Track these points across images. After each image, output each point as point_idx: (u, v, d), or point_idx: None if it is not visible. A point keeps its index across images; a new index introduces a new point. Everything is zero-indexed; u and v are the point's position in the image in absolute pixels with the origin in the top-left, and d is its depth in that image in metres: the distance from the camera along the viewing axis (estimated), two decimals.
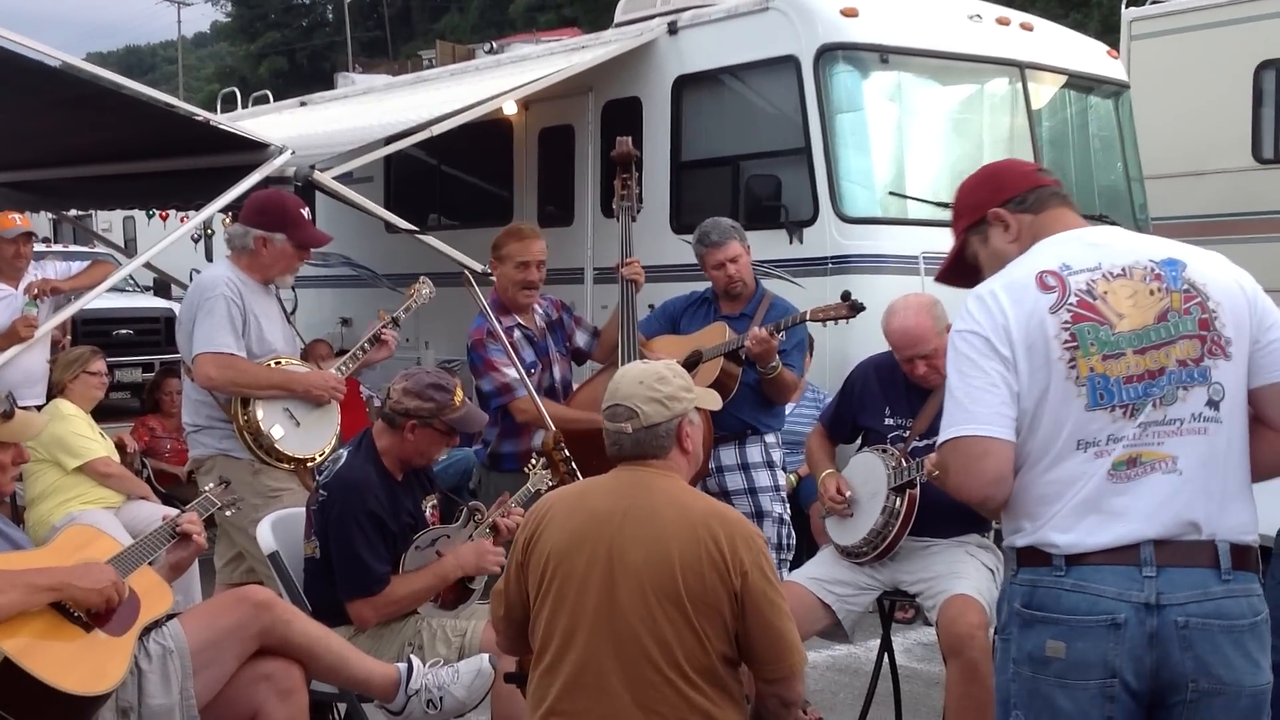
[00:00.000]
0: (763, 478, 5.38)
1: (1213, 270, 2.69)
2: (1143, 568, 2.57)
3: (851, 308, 5.14)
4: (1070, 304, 2.63)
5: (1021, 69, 8.33)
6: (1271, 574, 4.56)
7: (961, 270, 2.97)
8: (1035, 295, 2.65)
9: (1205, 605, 2.57)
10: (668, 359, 5.03)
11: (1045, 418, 2.63)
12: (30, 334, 6.64)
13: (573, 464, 4.60)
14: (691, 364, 5.23)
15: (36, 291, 6.83)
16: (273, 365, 5.00)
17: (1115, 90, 9.06)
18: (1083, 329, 2.62)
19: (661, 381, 3.14)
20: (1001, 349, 2.64)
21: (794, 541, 5.44)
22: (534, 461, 4.67)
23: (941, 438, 2.70)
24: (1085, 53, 9.01)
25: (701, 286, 5.63)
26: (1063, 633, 2.60)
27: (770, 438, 5.46)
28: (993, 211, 2.85)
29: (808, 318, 5.20)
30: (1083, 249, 2.71)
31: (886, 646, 4.76)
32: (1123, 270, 2.66)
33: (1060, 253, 2.71)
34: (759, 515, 5.29)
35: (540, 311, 5.41)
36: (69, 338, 12.15)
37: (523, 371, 5.01)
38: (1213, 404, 2.64)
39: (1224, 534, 2.62)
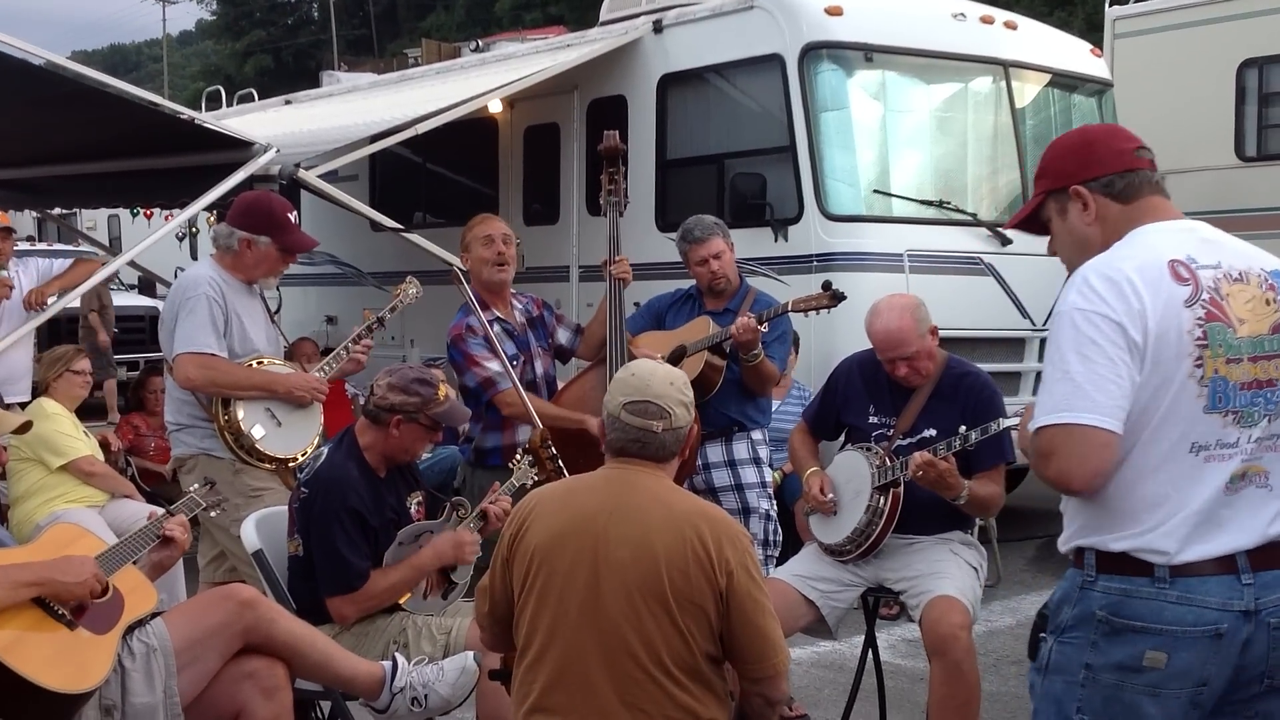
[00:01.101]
0: (749, 474, 5.39)
1: None
2: (1241, 575, 2.54)
3: (833, 297, 5.15)
4: (1204, 300, 2.55)
5: (1005, 67, 8.37)
6: None
7: (1034, 225, 2.87)
8: (1171, 285, 2.54)
9: None
10: (652, 355, 5.06)
11: (1159, 413, 2.53)
12: (7, 294, 6.63)
13: (559, 462, 4.61)
14: (676, 358, 5.24)
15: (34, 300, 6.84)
16: (254, 365, 4.98)
17: (1099, 89, 9.10)
18: (1214, 328, 2.55)
19: (686, 387, 3.19)
20: (1134, 335, 2.50)
21: (780, 538, 5.46)
22: (519, 456, 4.67)
23: (1052, 418, 2.53)
24: (1069, 51, 9.05)
25: (687, 284, 5.64)
26: (1165, 643, 2.53)
27: (757, 434, 5.47)
28: (1074, 188, 2.73)
29: (790, 308, 5.22)
30: (1201, 245, 2.62)
31: (871, 643, 4.77)
32: (1239, 275, 2.60)
33: (1182, 243, 2.60)
34: (745, 511, 5.30)
35: (520, 308, 5.41)
36: (105, 335, 12.07)
37: (506, 362, 5.01)
38: None
39: None
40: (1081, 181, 2.73)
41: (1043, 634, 2.74)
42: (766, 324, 5.14)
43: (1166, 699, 2.55)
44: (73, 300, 7.40)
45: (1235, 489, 2.58)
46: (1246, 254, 2.67)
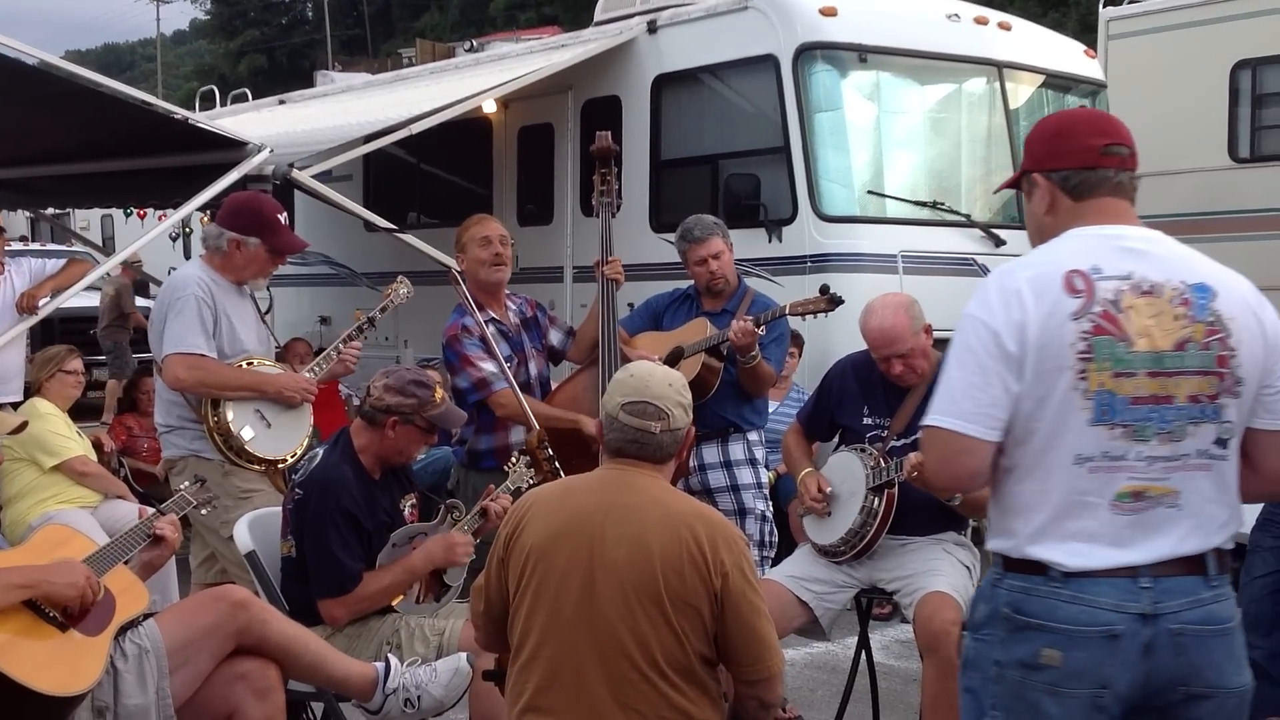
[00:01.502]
0: (745, 475, 5.39)
1: (1240, 305, 2.60)
2: (1139, 579, 2.55)
3: (830, 301, 5.16)
4: (1094, 313, 2.54)
5: (999, 68, 8.37)
6: (1247, 570, 4.61)
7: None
8: (1059, 296, 2.54)
9: (1197, 611, 2.55)
10: (649, 355, 5.06)
11: (1044, 424, 2.56)
12: None
13: (556, 463, 4.61)
14: (673, 360, 5.24)
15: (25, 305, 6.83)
16: (244, 366, 4.97)
17: (1093, 90, 9.10)
18: (1101, 342, 2.53)
19: (685, 389, 3.18)
20: (1009, 345, 2.54)
21: (776, 539, 5.45)
22: (514, 459, 4.67)
23: (927, 420, 2.64)
24: (1063, 52, 9.06)
25: (682, 284, 5.63)
26: (1059, 642, 2.55)
27: (753, 435, 5.47)
28: (1035, 175, 2.74)
29: (787, 311, 5.21)
30: (1118, 254, 2.60)
31: (864, 644, 4.77)
32: (1152, 287, 2.57)
33: (1094, 252, 2.59)
34: (742, 512, 5.29)
35: (514, 308, 5.40)
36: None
37: (502, 362, 5.01)
38: (1221, 442, 2.59)
39: (1216, 544, 2.61)
40: (1043, 170, 2.73)
41: (964, 631, 2.79)
42: (764, 327, 5.14)
43: (1065, 699, 2.57)
44: (67, 300, 7.37)
45: (1133, 509, 2.56)
46: (1173, 264, 2.61)
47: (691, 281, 5.53)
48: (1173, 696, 2.57)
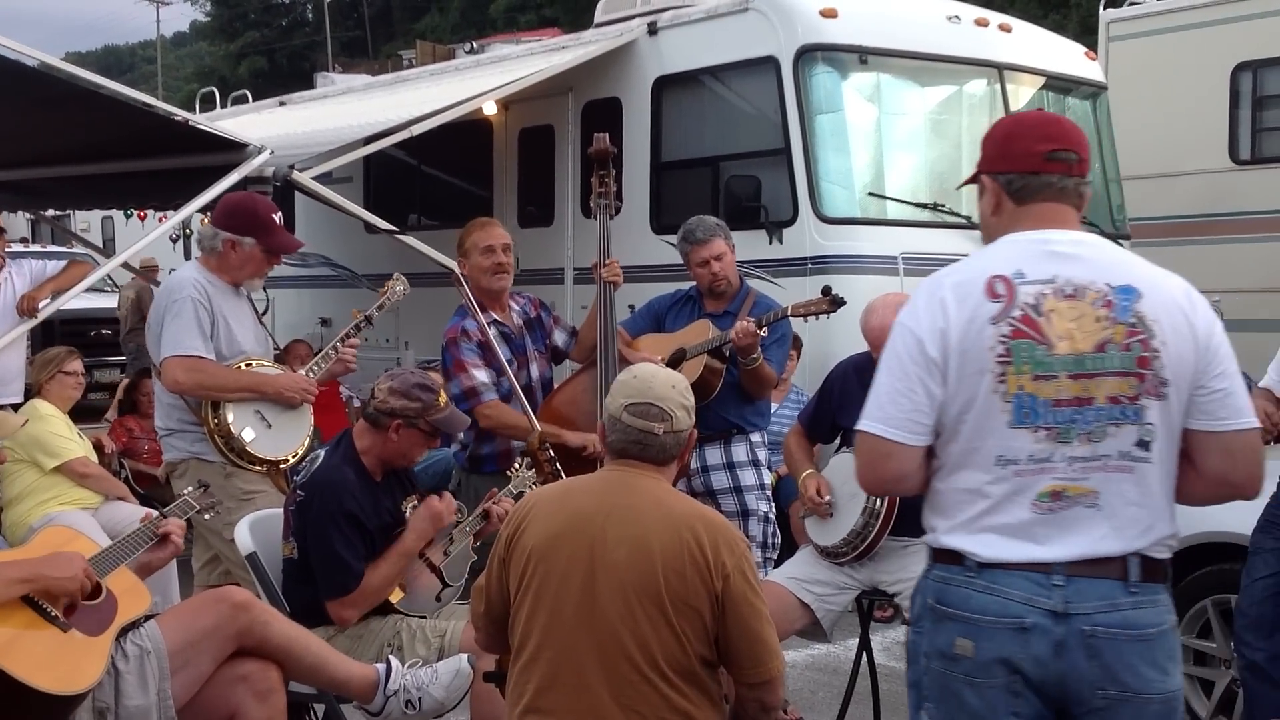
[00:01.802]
0: (748, 476, 5.39)
1: (1167, 306, 2.61)
2: (1052, 576, 2.58)
3: (832, 302, 5.16)
4: (1013, 317, 2.58)
5: (1000, 70, 8.36)
6: (1248, 572, 4.61)
7: None
8: (980, 300, 2.60)
9: (1113, 615, 2.57)
10: (651, 358, 5.06)
11: (968, 427, 2.61)
12: None
13: (558, 464, 4.61)
14: (676, 361, 5.24)
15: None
16: (242, 367, 4.97)
17: (1093, 91, 9.10)
18: (1019, 345, 2.57)
19: (688, 390, 3.20)
20: (931, 351, 2.61)
21: (779, 540, 5.45)
22: (517, 464, 4.67)
23: (857, 425, 2.72)
24: (1063, 54, 9.05)
25: (684, 285, 5.63)
26: (971, 631, 2.61)
27: (755, 436, 5.47)
28: (983, 176, 2.79)
29: (789, 313, 5.21)
30: (1044, 258, 2.63)
31: (865, 645, 4.77)
32: (1075, 290, 2.60)
33: (1020, 257, 2.64)
34: (744, 514, 5.29)
35: (518, 309, 5.41)
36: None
37: (504, 364, 5.00)
38: (1143, 444, 2.60)
39: (1138, 549, 2.61)
40: (991, 172, 2.77)
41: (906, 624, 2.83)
42: (766, 328, 5.13)
43: (983, 690, 2.61)
44: (68, 302, 7.36)
45: (1051, 509, 2.59)
46: (1100, 267, 2.63)
47: (693, 283, 5.53)
48: (1094, 700, 2.59)
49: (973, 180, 2.87)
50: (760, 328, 5.08)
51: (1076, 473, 2.59)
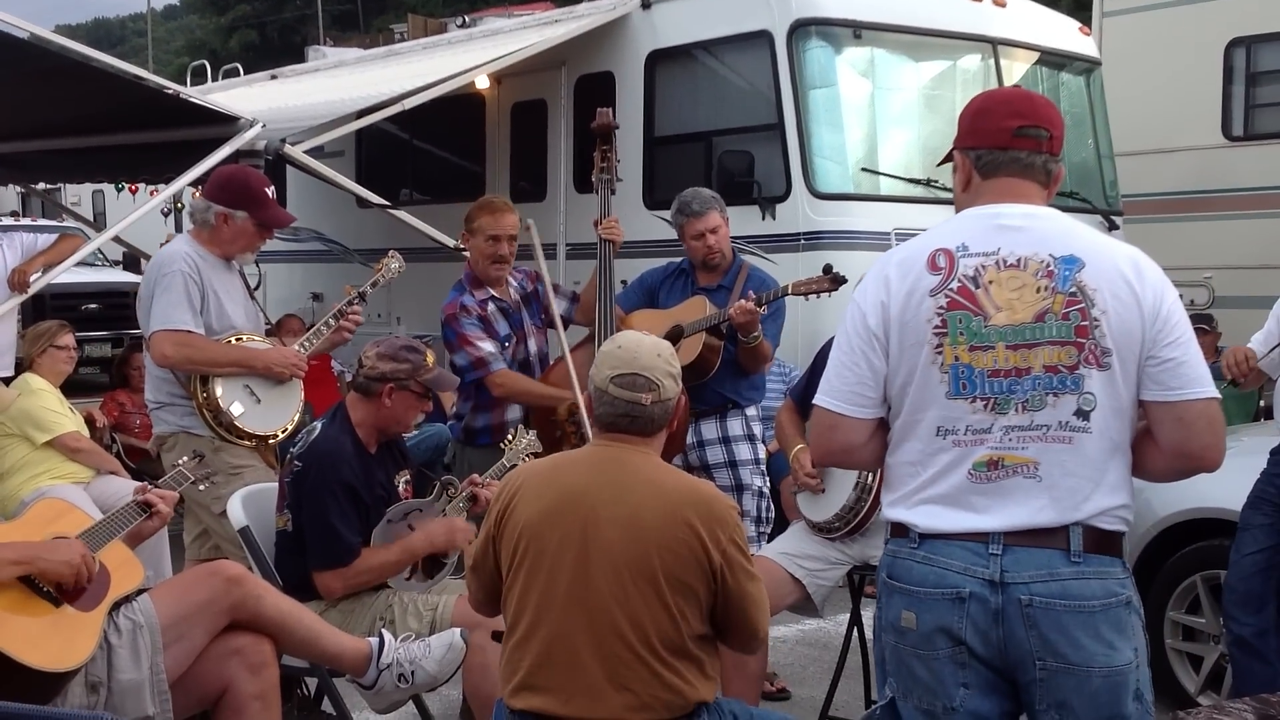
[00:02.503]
0: (743, 451, 5.38)
1: (1110, 275, 2.60)
2: (990, 545, 2.60)
3: (833, 280, 5.14)
4: (951, 289, 2.61)
5: (994, 45, 8.35)
6: (1236, 548, 4.64)
7: None
8: (920, 273, 2.64)
9: (1051, 585, 2.57)
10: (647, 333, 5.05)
11: (910, 398, 2.65)
12: None
13: (585, 430, 4.60)
14: (673, 338, 5.23)
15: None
16: (232, 342, 4.96)
17: (1087, 67, 9.09)
18: (954, 316, 2.60)
19: (674, 358, 3.17)
20: (873, 325, 2.67)
21: (773, 515, 5.46)
22: (511, 434, 4.68)
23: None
24: (1057, 29, 9.03)
25: (677, 260, 5.62)
26: (913, 603, 2.66)
27: (751, 411, 5.47)
28: (955, 151, 2.82)
29: (789, 291, 5.20)
30: (990, 231, 2.65)
31: (856, 621, 4.78)
32: (1018, 261, 2.61)
33: (966, 231, 2.67)
34: (739, 488, 5.29)
35: (515, 284, 5.40)
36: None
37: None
38: (1082, 414, 2.59)
39: (1080, 519, 2.61)
40: (962, 147, 2.80)
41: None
42: (765, 306, 5.12)
43: (929, 660, 2.66)
44: (59, 275, 7.33)
45: (988, 478, 2.61)
46: (1045, 238, 2.63)
47: (684, 257, 5.52)
48: (1033, 671, 2.60)
49: (948, 159, 2.89)
50: (760, 306, 5.07)
51: (1014, 442, 2.60)
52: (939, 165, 3.16)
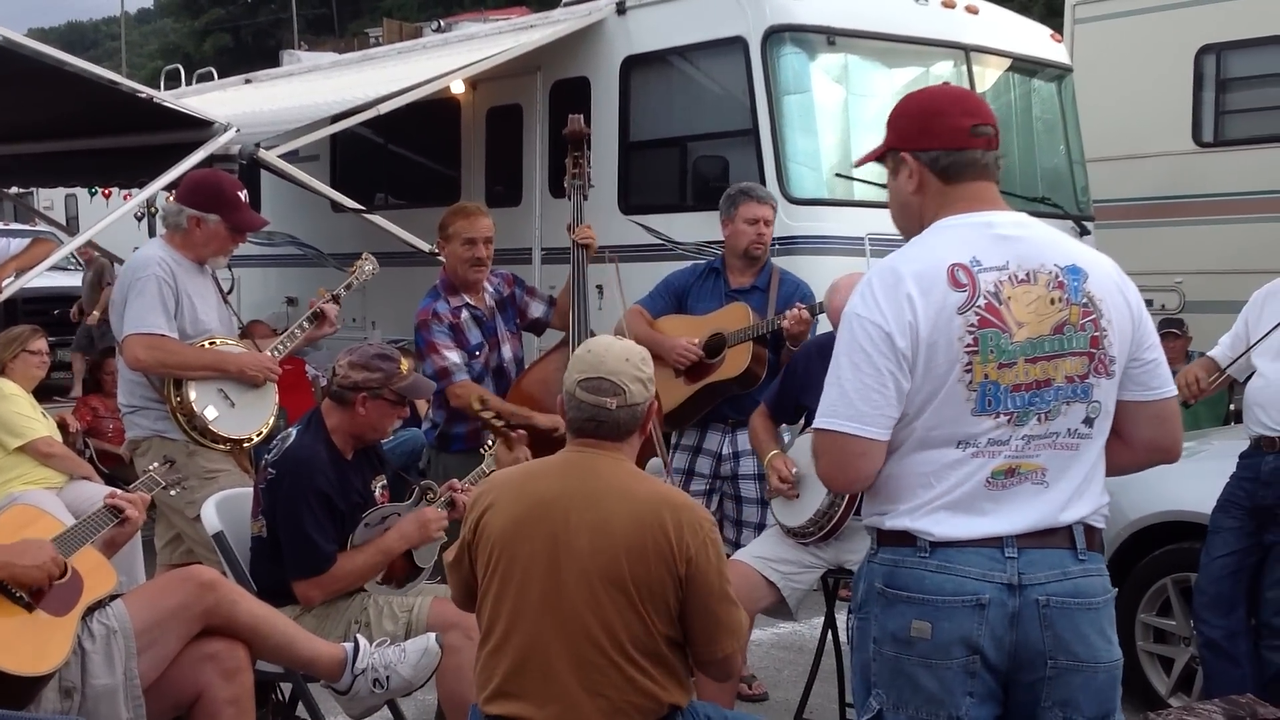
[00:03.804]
0: None
1: (1108, 286, 2.65)
2: (1005, 549, 2.59)
3: None
4: (979, 306, 2.57)
5: (967, 51, 8.41)
6: (1207, 551, 4.67)
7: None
8: (945, 290, 2.57)
9: (1064, 584, 2.60)
10: (688, 345, 5.02)
11: (929, 412, 2.59)
12: None
13: (508, 426, 4.58)
14: (715, 348, 5.19)
15: None
16: (206, 346, 4.95)
17: (1059, 74, 9.16)
18: (986, 335, 2.57)
19: (645, 362, 3.13)
20: (902, 345, 2.56)
21: None
22: (490, 442, 4.67)
23: (820, 422, 2.64)
24: (1029, 36, 9.10)
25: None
26: (927, 613, 2.60)
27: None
28: (903, 154, 2.72)
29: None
30: (993, 242, 2.62)
31: (830, 624, 4.79)
32: (1028, 275, 2.60)
33: (971, 243, 2.62)
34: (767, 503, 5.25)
35: (491, 289, 5.39)
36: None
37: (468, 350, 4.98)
38: (1088, 421, 2.63)
39: (1080, 518, 2.65)
40: (913, 149, 2.72)
41: (850, 611, 2.84)
42: (816, 317, 5.09)
43: (939, 670, 2.61)
44: (31, 280, 7.30)
45: (1004, 484, 2.61)
46: (1041, 250, 2.64)
47: (709, 259, 5.47)
48: (1042, 670, 2.60)
49: (875, 158, 2.83)
50: (815, 314, 5.05)
51: (1030, 450, 2.61)
52: (858, 165, 3.07)
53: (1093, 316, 2.61)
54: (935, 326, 2.56)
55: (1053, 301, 2.59)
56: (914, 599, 2.61)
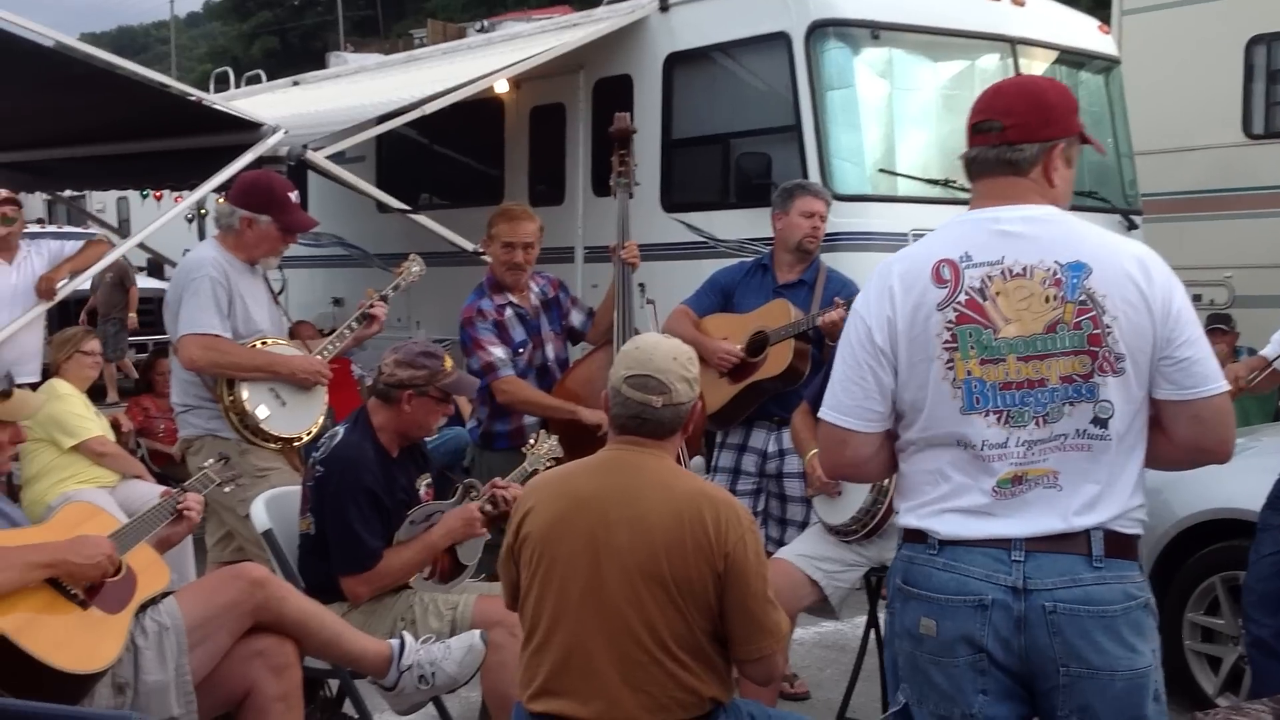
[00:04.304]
0: None
1: (1118, 280, 2.57)
2: (1011, 552, 2.59)
3: None
4: (958, 302, 2.58)
5: (1012, 44, 8.33)
6: (1255, 548, 4.62)
7: None
8: (926, 286, 2.60)
9: (1074, 591, 2.56)
10: (729, 348, 5.03)
11: (924, 413, 2.63)
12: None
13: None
14: (757, 346, 5.18)
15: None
16: (258, 346, 5.01)
17: (1106, 66, 9.06)
18: (964, 330, 2.57)
19: (691, 362, 3.15)
20: (879, 339, 2.64)
21: None
22: (533, 439, 4.70)
23: (819, 412, 2.79)
24: (1076, 28, 9.01)
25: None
26: (933, 610, 2.63)
27: None
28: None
29: None
30: (992, 238, 2.62)
31: (873, 623, 4.79)
32: (1024, 270, 2.58)
33: (967, 239, 2.63)
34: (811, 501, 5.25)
35: (536, 290, 5.43)
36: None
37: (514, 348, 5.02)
38: (1099, 421, 2.59)
39: (1100, 524, 2.61)
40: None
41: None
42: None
43: (947, 668, 2.63)
44: (84, 282, 7.41)
45: (1012, 493, 2.59)
46: (1049, 245, 2.60)
47: (756, 256, 5.46)
48: (1055, 678, 2.58)
49: None
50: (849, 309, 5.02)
51: (1035, 455, 2.59)
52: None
53: (1091, 314, 2.57)
54: (913, 322, 2.62)
55: (1047, 299, 2.57)
56: (923, 596, 2.65)
